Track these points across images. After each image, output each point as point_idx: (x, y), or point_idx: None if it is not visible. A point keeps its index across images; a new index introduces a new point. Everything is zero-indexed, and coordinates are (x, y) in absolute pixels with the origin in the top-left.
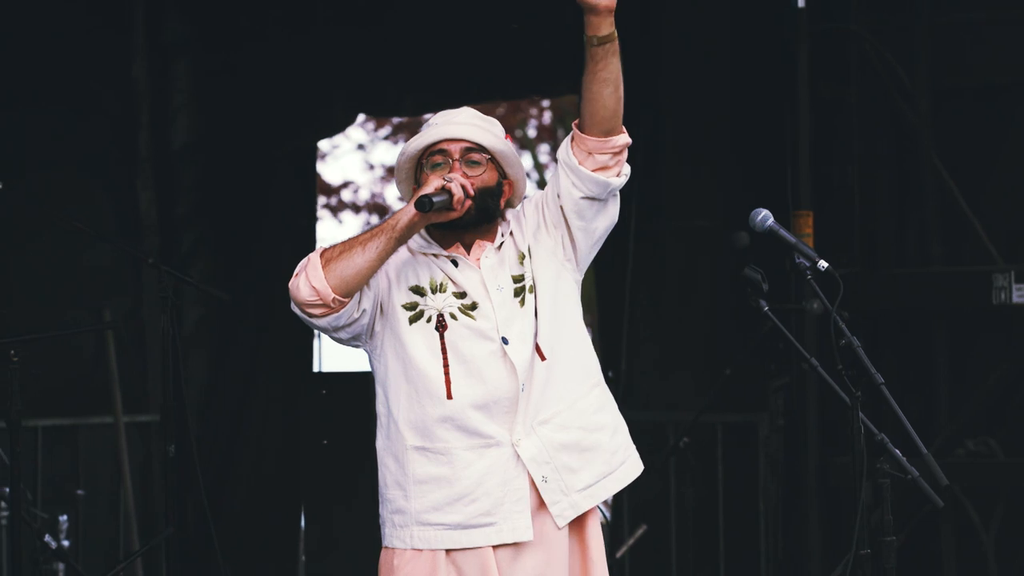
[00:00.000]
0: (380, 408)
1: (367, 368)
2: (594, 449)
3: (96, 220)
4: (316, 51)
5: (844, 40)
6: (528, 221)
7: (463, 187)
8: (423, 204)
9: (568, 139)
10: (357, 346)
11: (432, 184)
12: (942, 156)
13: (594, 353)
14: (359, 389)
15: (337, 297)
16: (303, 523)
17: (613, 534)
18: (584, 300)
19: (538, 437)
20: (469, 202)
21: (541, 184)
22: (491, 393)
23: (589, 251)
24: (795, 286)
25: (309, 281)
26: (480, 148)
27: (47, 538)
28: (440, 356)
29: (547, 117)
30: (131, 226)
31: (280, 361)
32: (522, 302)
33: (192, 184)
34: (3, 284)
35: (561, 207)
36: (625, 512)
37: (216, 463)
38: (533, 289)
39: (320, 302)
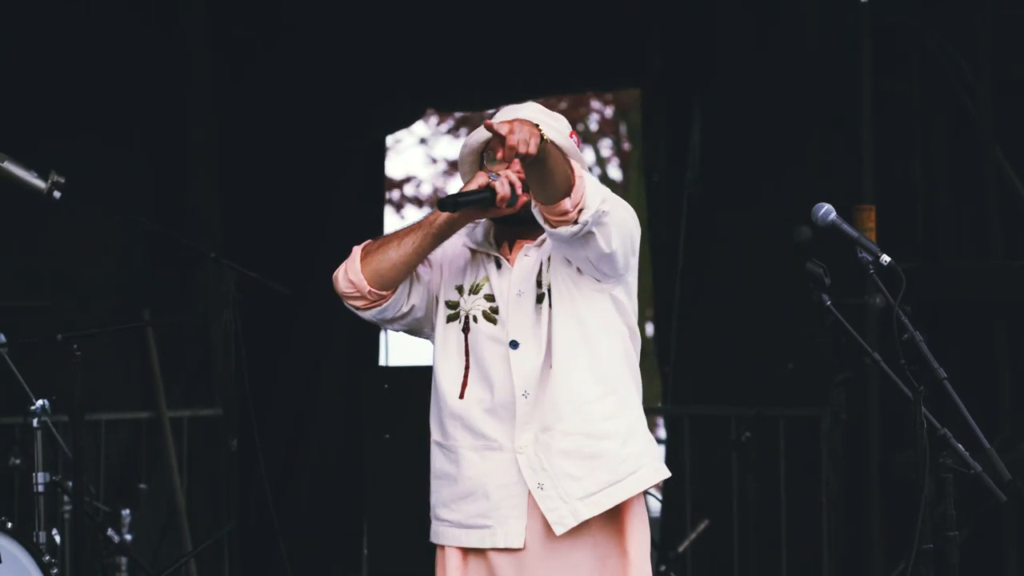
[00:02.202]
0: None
1: (428, 363)
2: (600, 457)
3: (159, 217)
4: (382, 44)
5: (906, 33)
6: None
7: (511, 184)
8: (445, 204)
9: None
10: (427, 337)
11: (476, 181)
12: (1004, 149)
13: (623, 362)
14: (424, 383)
15: (373, 290)
16: (366, 518)
17: (676, 528)
18: (641, 295)
19: (539, 444)
20: (524, 196)
21: (603, 179)
22: (497, 397)
23: (594, 271)
24: (857, 280)
25: (347, 274)
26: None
27: (110, 532)
28: (464, 357)
29: (609, 111)
30: (193, 222)
31: (345, 356)
32: (540, 309)
33: (257, 180)
34: (62, 280)
35: None
36: (687, 506)
37: (278, 458)
38: (548, 296)
39: (357, 294)
